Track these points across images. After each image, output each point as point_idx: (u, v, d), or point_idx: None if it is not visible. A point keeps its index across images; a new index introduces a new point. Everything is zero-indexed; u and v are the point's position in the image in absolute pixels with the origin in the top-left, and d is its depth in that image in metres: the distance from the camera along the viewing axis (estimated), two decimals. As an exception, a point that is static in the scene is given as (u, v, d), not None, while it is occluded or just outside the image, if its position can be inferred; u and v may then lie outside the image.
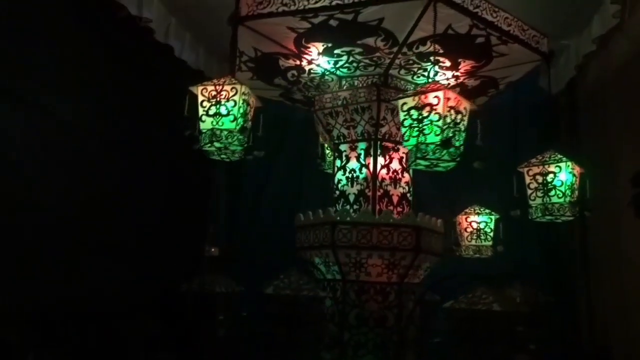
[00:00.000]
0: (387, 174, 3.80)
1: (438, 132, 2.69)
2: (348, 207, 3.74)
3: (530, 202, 3.38)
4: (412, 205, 3.85)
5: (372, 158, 3.75)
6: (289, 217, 3.88)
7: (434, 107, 2.71)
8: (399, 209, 3.77)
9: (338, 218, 3.49)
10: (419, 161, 2.77)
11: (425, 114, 2.73)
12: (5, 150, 2.94)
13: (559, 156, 3.32)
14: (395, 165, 3.79)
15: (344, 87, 3.77)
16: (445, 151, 2.69)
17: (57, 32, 3.39)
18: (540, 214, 3.34)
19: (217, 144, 3.06)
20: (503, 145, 4.78)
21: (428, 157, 2.71)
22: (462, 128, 2.81)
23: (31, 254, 2.94)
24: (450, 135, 2.71)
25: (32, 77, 3.16)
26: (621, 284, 3.56)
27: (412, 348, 3.60)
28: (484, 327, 3.07)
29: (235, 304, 3.34)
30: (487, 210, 4.16)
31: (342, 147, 3.87)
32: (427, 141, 2.71)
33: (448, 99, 2.72)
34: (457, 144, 2.76)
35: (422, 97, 2.75)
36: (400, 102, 2.83)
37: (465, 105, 2.82)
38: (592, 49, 4.12)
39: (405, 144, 2.84)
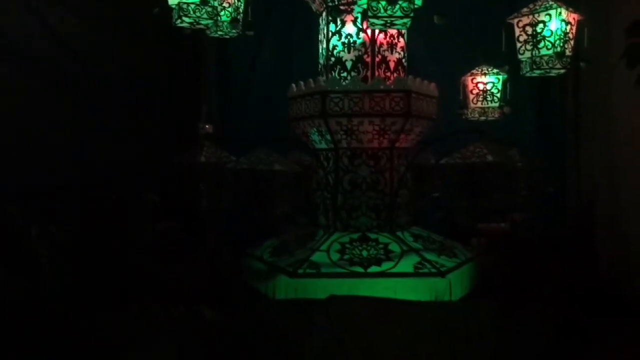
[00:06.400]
0: (385, 38, 3.68)
1: (387, -13, 2.56)
2: (345, 74, 3.69)
3: (520, 57, 3.18)
4: (406, 71, 3.75)
5: (370, 21, 3.60)
6: (280, 91, 3.91)
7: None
8: (395, 75, 3.69)
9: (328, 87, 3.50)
10: (372, 20, 2.67)
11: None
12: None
13: (551, 3, 3.03)
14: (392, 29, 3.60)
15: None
16: (397, 7, 2.57)
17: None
18: (528, 69, 3.15)
19: (186, 19, 3.09)
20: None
21: (379, 15, 2.60)
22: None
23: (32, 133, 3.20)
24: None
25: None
26: (609, 141, 3.33)
27: (405, 209, 3.72)
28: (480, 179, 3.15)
29: (226, 176, 3.33)
30: (495, 70, 3.92)
31: (338, 9, 3.72)
32: (377, -2, 2.59)
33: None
34: (413, -3, 2.62)
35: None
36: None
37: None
38: None
39: (359, 2, 2.72)
